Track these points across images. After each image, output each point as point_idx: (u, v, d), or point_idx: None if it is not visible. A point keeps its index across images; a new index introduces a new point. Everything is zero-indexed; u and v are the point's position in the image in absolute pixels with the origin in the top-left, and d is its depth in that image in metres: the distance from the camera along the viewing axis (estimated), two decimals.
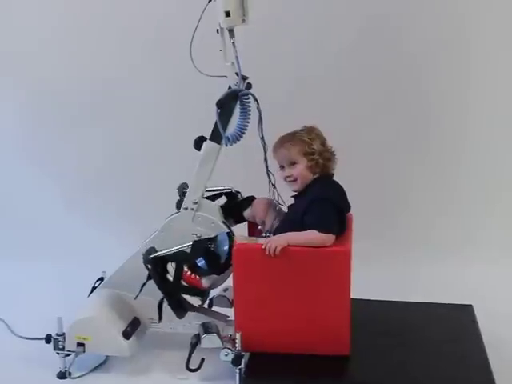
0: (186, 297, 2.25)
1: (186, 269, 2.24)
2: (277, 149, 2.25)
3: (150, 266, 2.24)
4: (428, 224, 3.18)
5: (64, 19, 3.15)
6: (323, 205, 2.15)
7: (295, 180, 2.23)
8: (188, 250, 2.23)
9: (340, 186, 2.28)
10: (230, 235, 2.23)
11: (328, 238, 2.11)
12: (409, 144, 3.16)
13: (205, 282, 2.26)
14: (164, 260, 2.25)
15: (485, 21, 3.00)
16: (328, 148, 2.25)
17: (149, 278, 2.27)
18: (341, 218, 2.21)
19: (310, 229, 2.12)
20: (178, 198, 2.39)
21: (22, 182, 3.35)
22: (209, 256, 2.20)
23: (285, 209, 2.38)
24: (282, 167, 2.25)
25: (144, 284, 2.28)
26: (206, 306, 2.45)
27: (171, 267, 2.25)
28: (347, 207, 2.28)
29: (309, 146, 2.20)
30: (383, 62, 3.06)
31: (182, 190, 2.38)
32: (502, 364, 2.20)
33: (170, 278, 2.24)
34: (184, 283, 2.24)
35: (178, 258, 2.24)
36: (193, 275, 2.24)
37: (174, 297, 2.25)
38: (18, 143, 3.35)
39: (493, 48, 3.04)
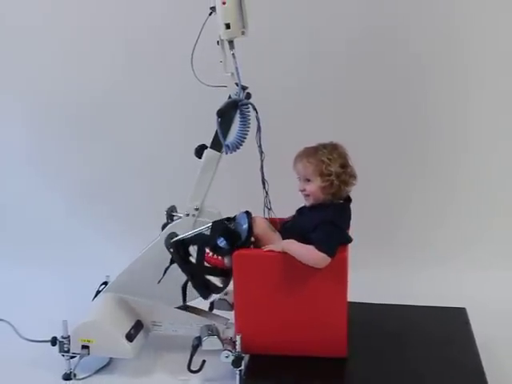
0: (210, 278, 2.25)
1: (207, 250, 2.22)
2: (297, 161, 2.20)
3: (172, 250, 2.23)
4: (422, 231, 3.17)
5: (70, 33, 3.14)
6: (332, 228, 2.12)
7: (308, 195, 2.20)
8: (207, 232, 2.21)
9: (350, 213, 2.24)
10: (249, 214, 2.21)
11: (324, 260, 2.08)
12: (402, 152, 3.16)
13: (227, 262, 2.24)
14: (185, 243, 2.24)
15: (481, 29, 2.99)
16: (348, 170, 2.16)
17: (171, 262, 2.26)
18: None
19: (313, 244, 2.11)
20: (166, 218, 2.39)
21: (30, 191, 3.34)
22: (229, 235, 2.18)
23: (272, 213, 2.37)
24: (299, 178, 2.23)
25: (167, 268, 2.27)
26: (206, 309, 2.46)
27: (193, 250, 2.23)
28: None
29: (326, 167, 2.12)
30: (383, 75, 3.06)
31: (170, 212, 2.38)
32: (494, 365, 2.22)
33: (193, 260, 2.23)
34: (207, 264, 2.24)
35: (199, 240, 2.22)
36: (215, 256, 2.23)
37: (198, 278, 2.24)
38: (25, 154, 3.34)
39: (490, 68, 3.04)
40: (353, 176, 2.19)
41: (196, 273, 2.24)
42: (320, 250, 2.08)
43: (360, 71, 3.06)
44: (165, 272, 2.28)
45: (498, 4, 2.95)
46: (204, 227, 2.22)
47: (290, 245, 2.14)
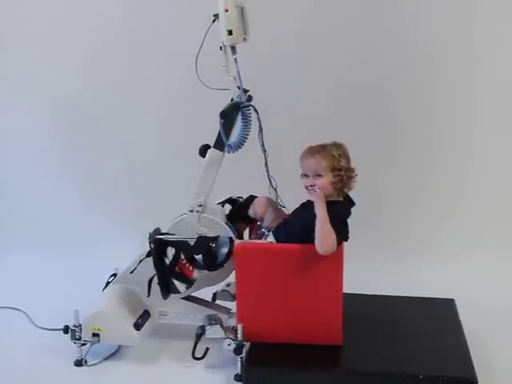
0: (175, 281, 2.28)
1: (182, 257, 2.25)
2: (307, 158, 2.16)
3: (152, 245, 2.26)
4: (414, 225, 3.18)
5: (78, 36, 3.16)
6: (342, 225, 2.13)
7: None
8: (191, 243, 2.24)
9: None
10: (232, 240, 2.24)
11: (332, 249, 2.07)
12: (400, 150, 3.19)
13: (195, 274, 2.28)
14: (166, 243, 2.27)
15: (483, 27, 2.98)
16: (352, 166, 2.18)
17: (148, 254, 2.30)
18: None
19: None
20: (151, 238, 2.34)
21: (45, 185, 3.37)
22: (208, 254, 2.21)
23: (285, 210, 2.38)
24: (305, 175, 2.16)
25: (142, 260, 2.32)
26: (210, 299, 2.47)
27: (170, 251, 2.26)
28: None
29: (338, 162, 2.12)
30: (379, 76, 3.06)
31: (154, 236, 2.29)
32: (480, 353, 2.24)
33: (167, 260, 2.26)
34: (177, 269, 2.26)
35: (180, 246, 2.26)
36: (187, 265, 2.26)
37: (165, 278, 2.27)
38: (43, 151, 3.37)
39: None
40: (355, 171, 2.20)
41: (165, 273, 2.27)
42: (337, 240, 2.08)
43: (357, 73, 3.06)
44: (149, 284, 2.32)
45: (498, 3, 2.94)
46: (190, 237, 2.25)
47: (325, 218, 2.05)
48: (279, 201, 2.38)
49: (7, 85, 3.28)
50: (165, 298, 2.31)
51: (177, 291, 2.30)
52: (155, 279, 2.31)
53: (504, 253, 3.05)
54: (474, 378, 2.02)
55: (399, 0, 3.00)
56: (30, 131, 3.33)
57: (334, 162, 2.13)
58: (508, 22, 2.96)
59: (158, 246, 2.26)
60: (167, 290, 2.29)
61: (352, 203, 2.23)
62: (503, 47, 2.99)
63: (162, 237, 2.27)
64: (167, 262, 2.27)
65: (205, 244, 2.22)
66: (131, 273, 2.36)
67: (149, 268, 2.32)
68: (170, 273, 2.27)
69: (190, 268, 2.26)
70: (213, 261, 2.21)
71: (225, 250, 2.19)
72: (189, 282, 2.30)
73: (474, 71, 3.03)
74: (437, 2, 2.98)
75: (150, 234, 2.28)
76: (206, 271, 2.26)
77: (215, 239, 2.23)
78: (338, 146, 2.19)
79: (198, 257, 2.21)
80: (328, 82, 3.07)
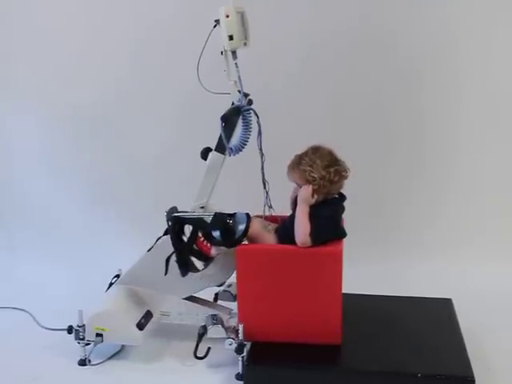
0: (193, 259, 2.27)
1: (200, 234, 2.23)
2: (288, 171, 2.23)
3: (169, 223, 2.24)
4: (413, 229, 3.17)
5: (83, 37, 3.15)
6: (324, 222, 2.16)
7: None
8: (208, 220, 2.23)
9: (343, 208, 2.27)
10: (248, 216, 2.23)
11: (306, 244, 2.13)
12: (397, 154, 3.18)
13: (214, 251, 2.25)
14: (183, 221, 2.25)
15: (474, 32, 2.98)
16: (331, 170, 2.15)
17: (165, 233, 2.28)
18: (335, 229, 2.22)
19: None
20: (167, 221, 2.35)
21: (50, 185, 3.35)
22: (225, 230, 2.19)
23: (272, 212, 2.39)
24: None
25: (159, 238, 2.30)
26: (211, 300, 2.47)
27: (188, 230, 2.25)
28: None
29: (309, 173, 2.14)
30: (378, 79, 3.06)
31: (171, 213, 2.32)
32: (477, 351, 2.24)
33: (185, 238, 2.25)
34: (195, 247, 2.25)
35: (197, 223, 2.24)
36: (205, 242, 2.24)
37: (183, 255, 2.26)
38: (47, 151, 3.35)
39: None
40: (339, 172, 2.18)
41: (183, 251, 2.25)
42: (310, 235, 2.12)
43: (355, 77, 3.06)
44: (167, 263, 2.29)
45: (490, 9, 2.94)
46: (207, 214, 2.24)
47: (301, 209, 2.15)
48: (270, 204, 2.37)
49: (12, 84, 3.27)
50: (183, 276, 2.28)
51: (195, 269, 2.28)
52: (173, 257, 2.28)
53: (501, 251, 3.04)
54: (471, 376, 2.01)
55: (397, 5, 3.00)
56: (34, 131, 3.32)
57: (306, 174, 2.15)
58: (495, 27, 2.96)
59: (176, 223, 2.24)
60: (186, 267, 2.27)
61: (343, 198, 2.25)
62: (489, 53, 2.99)
63: (179, 214, 2.25)
64: (185, 239, 2.25)
65: (222, 220, 2.20)
66: (148, 251, 2.32)
67: (154, 266, 2.32)
68: (188, 250, 2.25)
69: (208, 245, 2.24)
70: (230, 237, 2.18)
71: (242, 227, 2.18)
72: (206, 260, 2.27)
73: (463, 83, 3.04)
74: (438, 2, 2.99)
75: (166, 213, 2.26)
76: (223, 248, 2.23)
77: (232, 215, 2.22)
78: (313, 152, 2.19)
79: (216, 233, 2.18)
80: (327, 88, 3.06)
